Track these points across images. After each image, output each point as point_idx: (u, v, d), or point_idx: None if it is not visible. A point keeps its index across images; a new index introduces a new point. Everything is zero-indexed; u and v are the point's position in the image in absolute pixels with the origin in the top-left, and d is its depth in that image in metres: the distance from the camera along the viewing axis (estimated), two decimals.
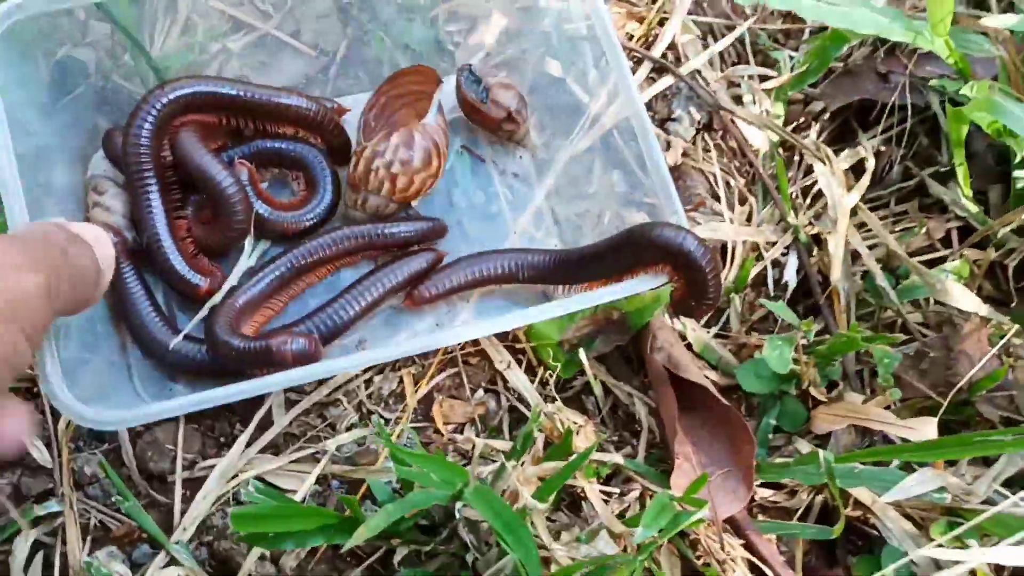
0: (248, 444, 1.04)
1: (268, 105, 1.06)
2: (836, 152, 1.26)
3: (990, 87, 1.07)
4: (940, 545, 0.93)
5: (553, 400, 1.09)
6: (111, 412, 0.82)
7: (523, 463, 1.00)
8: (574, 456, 0.94)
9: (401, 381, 1.10)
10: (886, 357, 1.05)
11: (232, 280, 1.04)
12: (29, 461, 1.01)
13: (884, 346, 1.05)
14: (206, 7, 1.08)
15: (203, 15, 1.08)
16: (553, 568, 0.91)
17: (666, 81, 1.30)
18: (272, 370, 0.91)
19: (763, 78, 1.32)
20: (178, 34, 1.23)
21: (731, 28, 1.35)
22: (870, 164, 1.23)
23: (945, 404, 1.04)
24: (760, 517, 1.06)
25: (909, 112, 1.27)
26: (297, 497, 1.01)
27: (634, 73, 1.30)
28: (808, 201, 1.25)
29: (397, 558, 0.95)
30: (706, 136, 1.30)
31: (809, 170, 1.27)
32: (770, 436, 1.10)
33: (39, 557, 0.98)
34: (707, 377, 1.11)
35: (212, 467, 1.02)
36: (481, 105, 1.15)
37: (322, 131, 1.11)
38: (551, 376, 1.10)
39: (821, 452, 0.98)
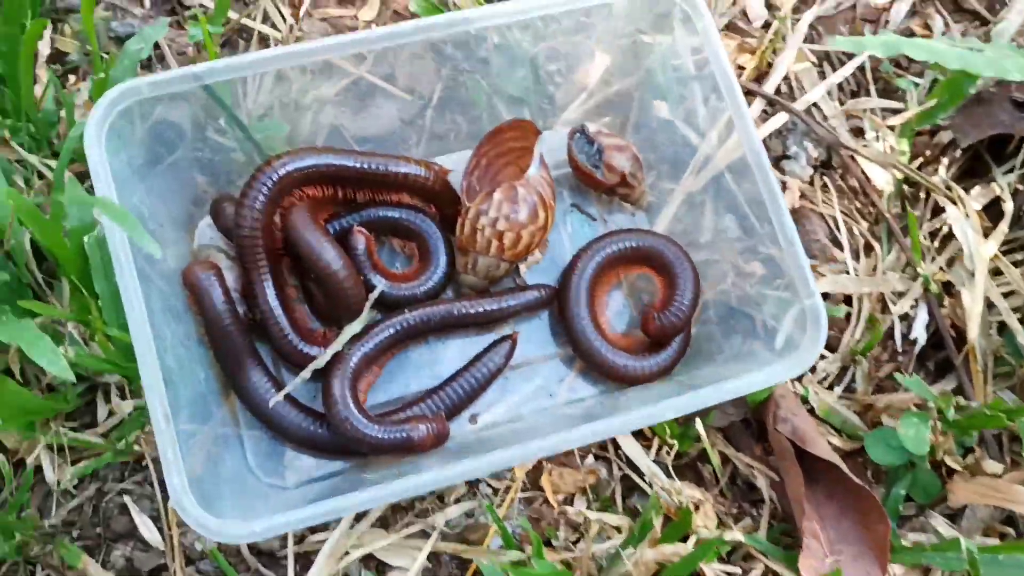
0: (357, 519, 1.01)
1: (383, 175, 1.03)
2: (967, 189, 1.17)
3: None
4: None
5: (666, 468, 1.04)
6: (238, 526, 0.80)
7: (640, 547, 0.96)
8: (695, 544, 0.90)
9: None
10: None
11: (336, 346, 1.01)
12: (141, 534, 1.01)
13: None
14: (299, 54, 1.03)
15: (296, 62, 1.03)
16: None
17: (780, 117, 1.22)
18: (402, 455, 0.88)
19: (886, 111, 1.23)
20: (271, 86, 1.20)
21: (849, 55, 1.27)
22: (1008, 207, 1.15)
23: None
24: None
25: None
26: None
27: None
28: (936, 244, 1.17)
29: None
30: (824, 175, 1.22)
31: (937, 210, 1.19)
32: (900, 507, 1.03)
33: None
34: (831, 443, 1.05)
35: (322, 541, 1.00)
36: (594, 171, 1.10)
37: (436, 198, 1.07)
38: (665, 446, 1.05)
39: (964, 542, 0.92)
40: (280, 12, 1.26)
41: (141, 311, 0.82)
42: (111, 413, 1.03)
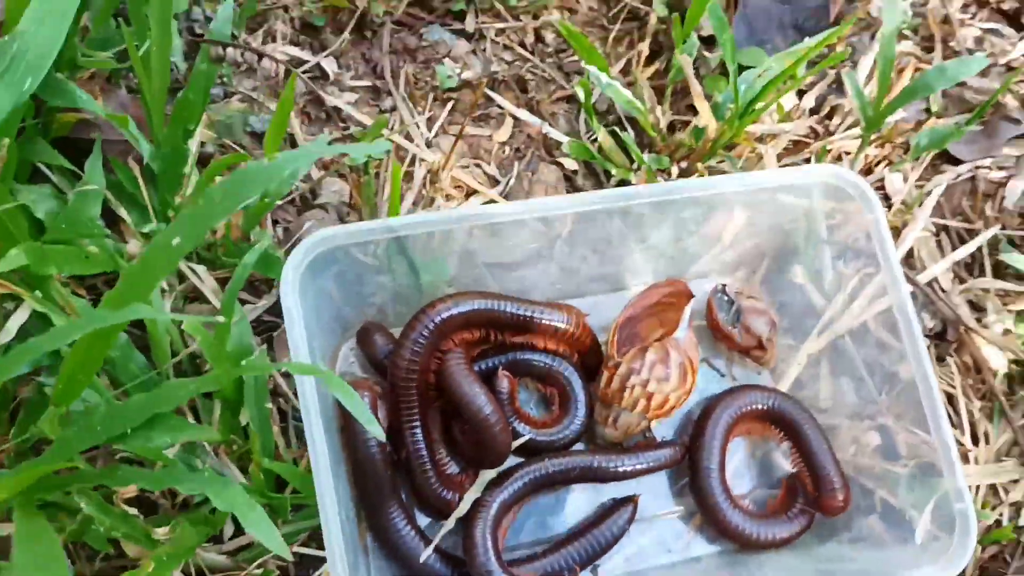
0: None
1: (532, 321, 1.03)
2: None
3: None
4: None
5: None
6: None
7: None
8: None
9: None
10: None
11: (475, 492, 1.01)
12: None
13: None
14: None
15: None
16: None
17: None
18: None
19: (1005, 292, 1.26)
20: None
21: (970, 232, 1.30)
22: None
23: None
24: None
25: None
26: None
27: None
28: None
29: None
30: (938, 347, 1.24)
31: None
32: None
33: None
34: None
35: None
36: (732, 331, 1.12)
37: (579, 346, 1.08)
38: None
39: None
40: (419, 128, 1.27)
41: (328, 479, 0.81)
42: (237, 532, 1.02)
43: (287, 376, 1.06)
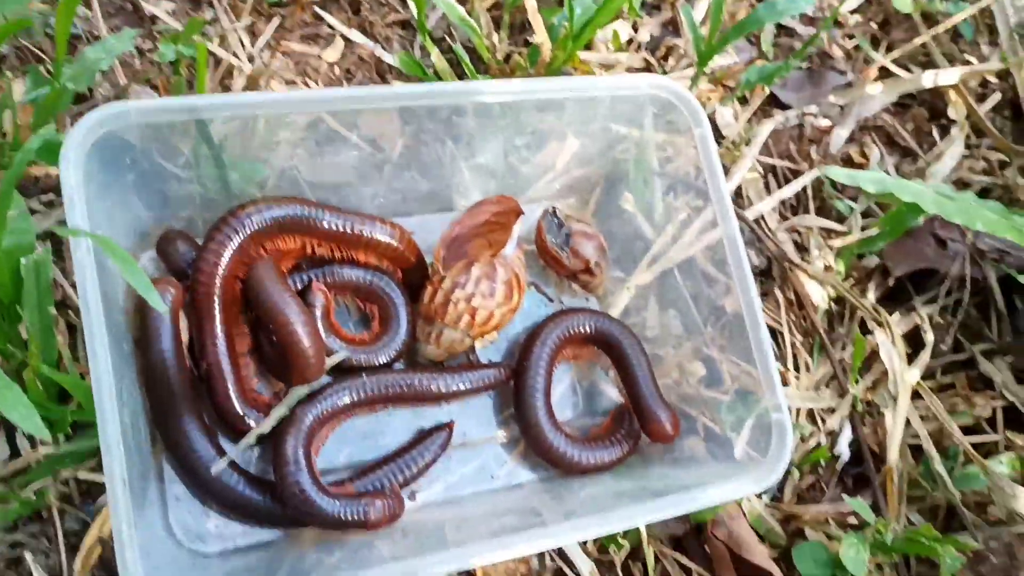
0: None
1: (354, 234, 0.97)
2: (889, 313, 1.24)
3: None
4: None
5: (599, 563, 1.03)
6: None
7: None
8: None
9: None
10: (951, 559, 1.02)
11: (283, 409, 0.94)
12: None
13: (951, 548, 1.02)
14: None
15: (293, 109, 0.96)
16: None
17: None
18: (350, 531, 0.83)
19: (823, 230, 1.29)
20: (247, 126, 1.13)
21: (795, 173, 1.32)
22: (929, 338, 1.22)
23: None
24: None
25: (968, 286, 1.26)
26: None
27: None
28: (860, 364, 1.23)
29: None
30: (763, 284, 1.26)
31: (864, 327, 1.24)
32: None
33: None
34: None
35: None
36: (560, 254, 1.09)
37: (403, 262, 1.03)
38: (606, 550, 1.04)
39: None
40: (241, 40, 1.19)
41: (108, 372, 0.73)
42: (13, 455, 0.92)
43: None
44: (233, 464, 0.92)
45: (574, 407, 1.12)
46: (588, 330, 1.09)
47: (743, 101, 1.35)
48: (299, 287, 1.00)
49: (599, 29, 1.16)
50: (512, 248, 1.04)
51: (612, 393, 1.13)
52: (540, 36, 1.15)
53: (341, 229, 0.98)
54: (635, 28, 1.33)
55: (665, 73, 1.34)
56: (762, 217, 1.28)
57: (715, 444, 1.04)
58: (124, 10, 1.18)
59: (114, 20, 1.18)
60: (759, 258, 1.26)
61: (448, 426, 1.02)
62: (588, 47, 1.21)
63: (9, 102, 0.96)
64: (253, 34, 1.22)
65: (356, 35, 1.26)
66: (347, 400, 0.96)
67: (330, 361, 0.96)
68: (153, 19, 1.18)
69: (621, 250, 1.18)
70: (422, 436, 1.01)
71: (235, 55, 1.18)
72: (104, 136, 0.80)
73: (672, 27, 1.39)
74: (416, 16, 1.22)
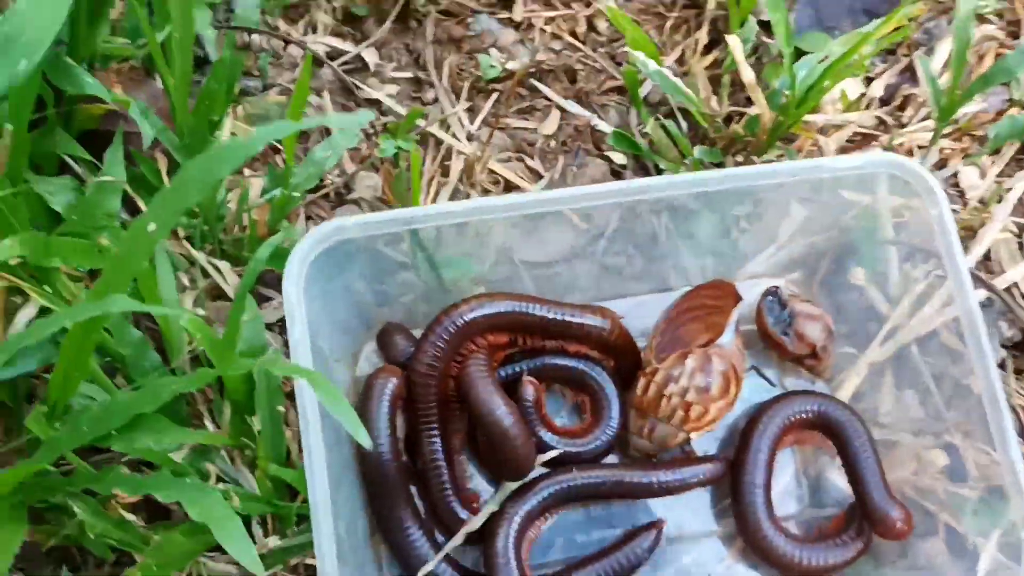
0: None
1: (564, 324, 0.97)
2: None
3: None
4: None
5: None
6: None
7: None
8: None
9: None
10: None
11: (493, 505, 0.95)
12: None
13: None
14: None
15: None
16: None
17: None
18: None
19: None
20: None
21: None
22: None
23: None
24: None
25: None
26: None
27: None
28: None
29: None
30: (1016, 359, 1.13)
31: None
32: None
33: None
34: None
35: None
36: (783, 338, 1.03)
37: (613, 351, 1.01)
38: None
39: None
40: (460, 119, 1.22)
41: (324, 487, 0.77)
42: None
43: None
44: (448, 558, 0.94)
45: (799, 500, 1.06)
46: (810, 415, 1.03)
47: (994, 151, 1.23)
48: (510, 377, 1.01)
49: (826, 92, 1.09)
50: (730, 336, 1.00)
51: (842, 483, 1.06)
52: (759, 106, 1.09)
53: (551, 320, 0.98)
54: (867, 82, 1.23)
55: (903, 127, 1.23)
56: (1015, 285, 1.15)
57: (957, 552, 0.95)
58: (347, 90, 1.24)
59: (338, 97, 1.24)
60: (1012, 330, 1.14)
61: (657, 527, 0.99)
62: (814, 109, 1.14)
63: (245, 206, 1.03)
64: (471, 111, 1.24)
65: (572, 105, 1.25)
66: (557, 495, 0.96)
67: (542, 458, 0.96)
68: (375, 103, 1.23)
69: (851, 327, 1.10)
70: (631, 535, 0.99)
71: (454, 135, 1.21)
72: (324, 250, 0.84)
73: (910, 74, 1.28)
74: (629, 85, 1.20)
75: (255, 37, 1.22)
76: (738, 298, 1.02)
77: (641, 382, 0.99)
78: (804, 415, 1.03)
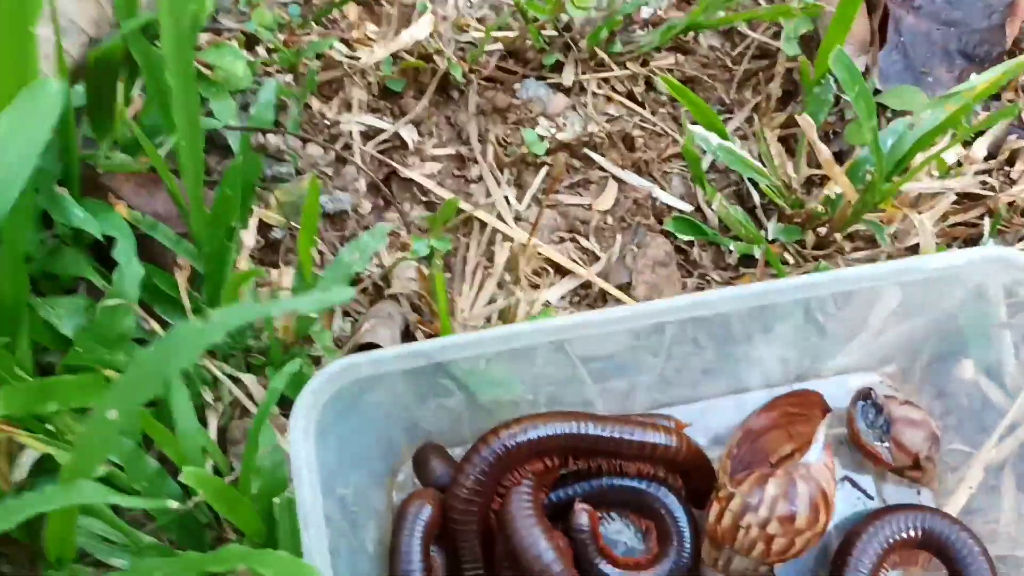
0: None
1: (620, 443, 0.85)
2: None
3: None
4: None
5: None
6: None
7: None
8: None
9: None
10: None
11: None
12: None
13: None
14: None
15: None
16: None
17: None
18: None
19: None
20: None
21: None
22: None
23: None
24: None
25: None
26: None
27: None
28: None
29: None
30: None
31: None
32: None
33: None
34: None
35: None
36: (879, 448, 0.90)
37: (682, 469, 0.89)
38: None
39: None
40: (507, 199, 1.11)
41: None
42: None
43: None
44: None
45: None
46: (915, 533, 0.89)
47: None
48: (562, 502, 0.89)
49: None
50: (818, 453, 0.86)
51: None
52: (841, 184, 0.96)
53: (605, 438, 0.86)
54: (966, 144, 1.08)
55: (1012, 183, 1.08)
56: None
57: None
58: (386, 165, 1.14)
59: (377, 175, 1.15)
60: None
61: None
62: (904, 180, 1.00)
63: (269, 325, 0.94)
64: (519, 186, 1.14)
65: (630, 176, 1.14)
66: None
67: None
68: (415, 185, 1.13)
69: (961, 423, 0.96)
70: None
71: (500, 217, 1.10)
72: (336, 391, 0.74)
73: (1018, 121, 1.13)
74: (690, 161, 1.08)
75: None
76: (826, 409, 0.89)
77: (715, 508, 0.86)
78: (907, 534, 0.89)
